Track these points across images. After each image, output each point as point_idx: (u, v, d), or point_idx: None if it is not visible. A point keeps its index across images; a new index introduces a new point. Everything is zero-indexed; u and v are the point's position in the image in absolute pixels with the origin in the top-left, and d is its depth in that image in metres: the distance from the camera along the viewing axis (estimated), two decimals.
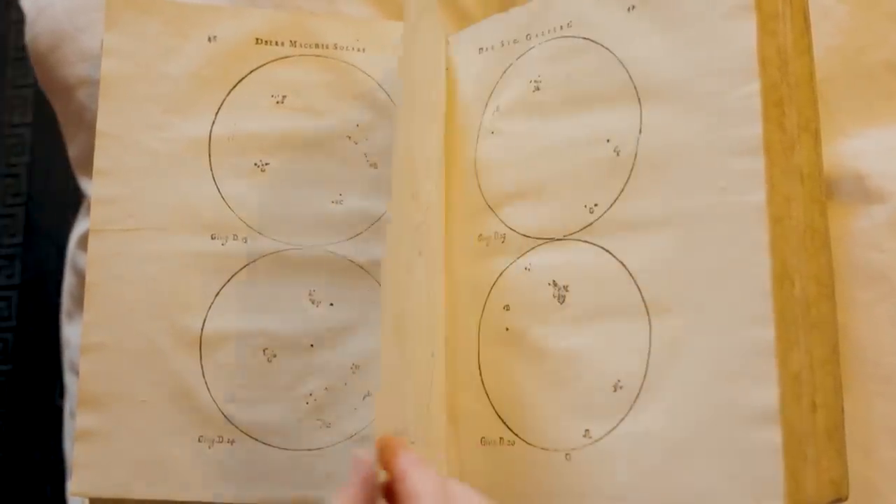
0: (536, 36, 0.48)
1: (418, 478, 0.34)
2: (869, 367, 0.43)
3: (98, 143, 0.48)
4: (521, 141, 0.48)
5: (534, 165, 0.47)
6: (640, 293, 0.42)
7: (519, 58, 0.49)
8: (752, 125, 0.40)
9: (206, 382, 0.46)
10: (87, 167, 0.60)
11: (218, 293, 0.47)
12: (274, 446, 0.47)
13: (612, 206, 0.44)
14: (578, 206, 0.45)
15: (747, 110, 0.40)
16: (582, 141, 0.45)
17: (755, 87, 0.40)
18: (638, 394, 0.41)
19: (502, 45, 0.50)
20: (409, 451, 0.35)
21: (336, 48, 0.51)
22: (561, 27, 0.47)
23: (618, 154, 0.44)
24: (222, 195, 0.48)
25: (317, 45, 0.51)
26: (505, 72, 0.49)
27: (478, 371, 0.47)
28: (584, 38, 0.46)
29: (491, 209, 0.48)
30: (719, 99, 0.41)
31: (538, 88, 0.48)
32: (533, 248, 0.46)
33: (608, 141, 0.44)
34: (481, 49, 0.51)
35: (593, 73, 0.46)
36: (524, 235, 0.47)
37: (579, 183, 0.45)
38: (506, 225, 0.48)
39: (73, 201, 0.68)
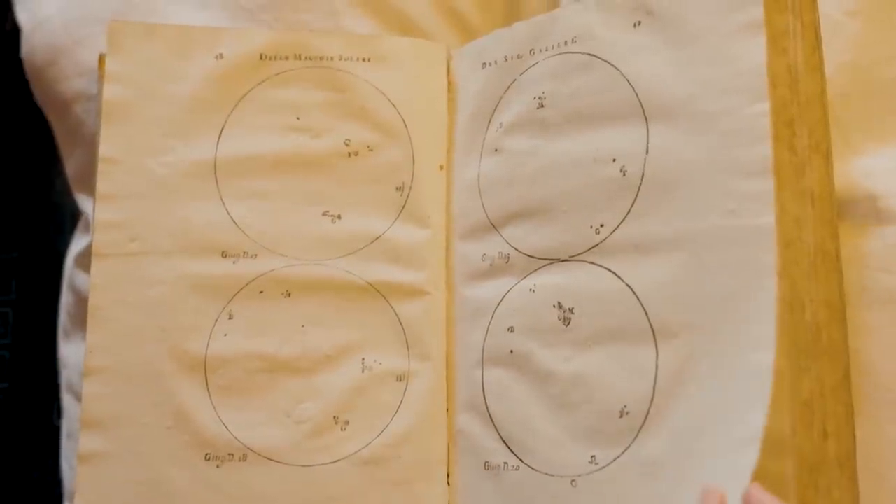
0: (541, 51, 0.47)
1: None
2: (881, 393, 0.42)
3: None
4: (525, 159, 0.47)
5: (538, 184, 0.46)
6: (647, 316, 0.41)
7: (523, 73, 0.48)
8: (761, 146, 0.39)
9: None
10: (85, 183, 0.60)
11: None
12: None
13: (618, 226, 0.43)
14: (584, 227, 0.44)
15: (756, 130, 0.39)
16: (587, 160, 0.44)
17: (765, 106, 0.39)
18: (644, 420, 0.40)
19: (506, 60, 0.49)
20: None
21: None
22: (566, 42, 0.47)
23: (624, 174, 0.43)
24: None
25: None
26: (508, 88, 0.48)
27: (481, 393, 0.46)
28: (590, 54, 0.45)
29: (495, 228, 0.47)
30: (728, 118, 0.40)
31: (542, 105, 0.47)
32: (538, 268, 0.46)
33: (614, 160, 0.44)
34: (484, 64, 0.50)
35: (599, 89, 0.45)
36: (529, 256, 0.46)
37: (585, 203, 0.44)
38: (510, 245, 0.47)
39: (71, 216, 0.67)
